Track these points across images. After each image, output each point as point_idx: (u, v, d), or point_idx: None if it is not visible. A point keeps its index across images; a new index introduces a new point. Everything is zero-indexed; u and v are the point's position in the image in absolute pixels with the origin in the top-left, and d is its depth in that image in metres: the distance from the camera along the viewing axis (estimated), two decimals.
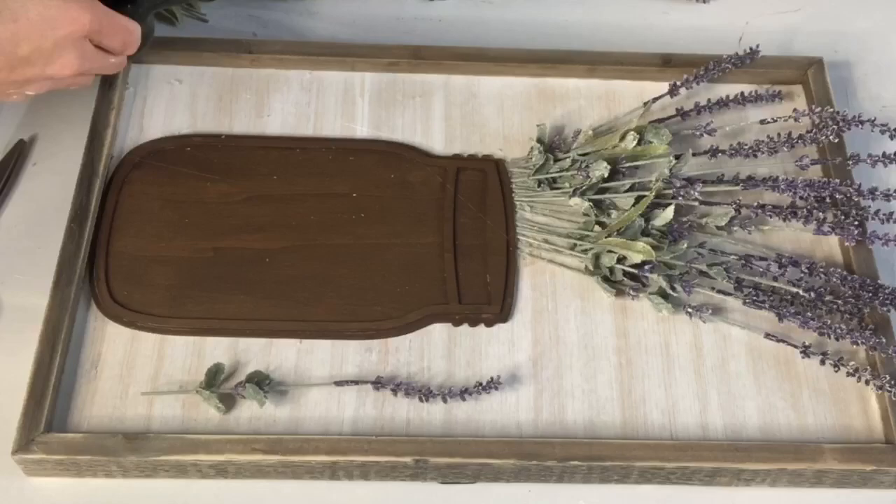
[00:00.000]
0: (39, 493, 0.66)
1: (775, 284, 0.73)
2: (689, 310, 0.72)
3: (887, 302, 0.71)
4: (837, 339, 0.70)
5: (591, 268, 0.74)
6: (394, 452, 0.66)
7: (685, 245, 0.74)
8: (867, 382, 0.69)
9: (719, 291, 0.73)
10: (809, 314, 0.71)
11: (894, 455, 0.67)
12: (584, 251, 0.74)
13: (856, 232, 0.74)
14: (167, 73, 0.84)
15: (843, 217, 0.75)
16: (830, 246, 0.77)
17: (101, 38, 0.68)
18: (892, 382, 0.68)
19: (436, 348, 0.72)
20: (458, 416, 0.69)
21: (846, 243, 0.75)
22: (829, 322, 0.71)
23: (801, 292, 0.72)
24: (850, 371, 0.69)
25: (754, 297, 0.72)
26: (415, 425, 0.68)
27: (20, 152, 0.80)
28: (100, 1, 0.68)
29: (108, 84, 0.81)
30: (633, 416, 0.69)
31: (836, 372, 0.69)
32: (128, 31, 0.70)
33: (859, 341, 0.70)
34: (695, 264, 0.73)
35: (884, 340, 0.70)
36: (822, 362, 0.70)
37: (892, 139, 0.79)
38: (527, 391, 0.70)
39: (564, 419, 0.69)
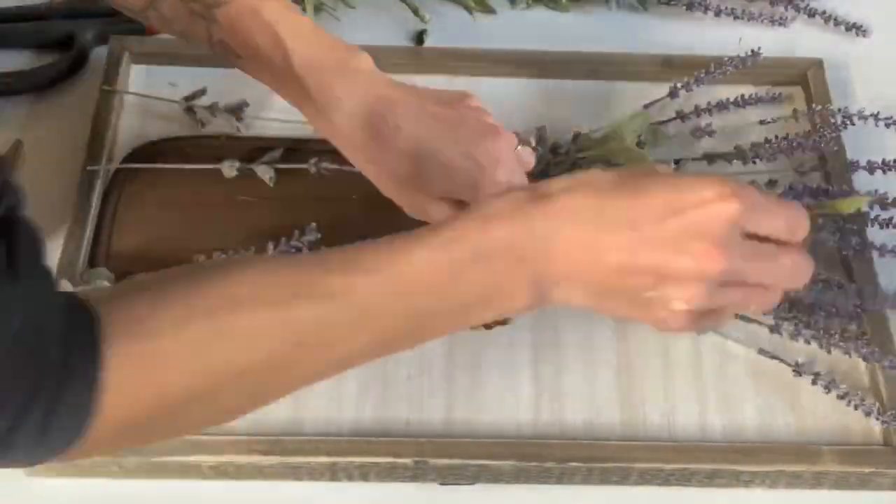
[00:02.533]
0: (39, 493, 0.66)
1: None
2: None
3: (886, 306, 0.72)
4: (829, 353, 0.70)
5: None
6: (394, 453, 0.66)
7: None
8: (856, 407, 0.68)
9: None
10: (803, 323, 0.70)
11: (893, 457, 0.67)
12: None
13: (854, 241, 0.74)
14: (167, 74, 0.84)
15: (842, 223, 0.75)
16: (829, 250, 0.76)
17: (755, 227, 0.52)
18: (881, 409, 0.68)
19: (436, 349, 0.71)
20: (458, 416, 0.69)
21: (843, 252, 0.75)
22: (822, 331, 0.70)
23: (800, 291, 0.72)
24: (840, 395, 0.69)
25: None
26: (414, 426, 0.68)
27: (18, 152, 0.80)
28: None
29: (108, 84, 0.81)
30: (632, 417, 0.69)
31: (827, 394, 0.69)
32: (793, 216, 0.53)
33: (852, 351, 0.70)
34: None
35: (878, 351, 0.69)
36: (814, 382, 0.69)
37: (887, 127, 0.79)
38: (526, 392, 0.70)
39: (564, 420, 0.69)
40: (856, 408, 0.68)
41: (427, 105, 0.68)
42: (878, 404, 0.68)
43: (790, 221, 0.53)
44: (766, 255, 0.52)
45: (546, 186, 0.53)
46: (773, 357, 0.70)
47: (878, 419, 0.68)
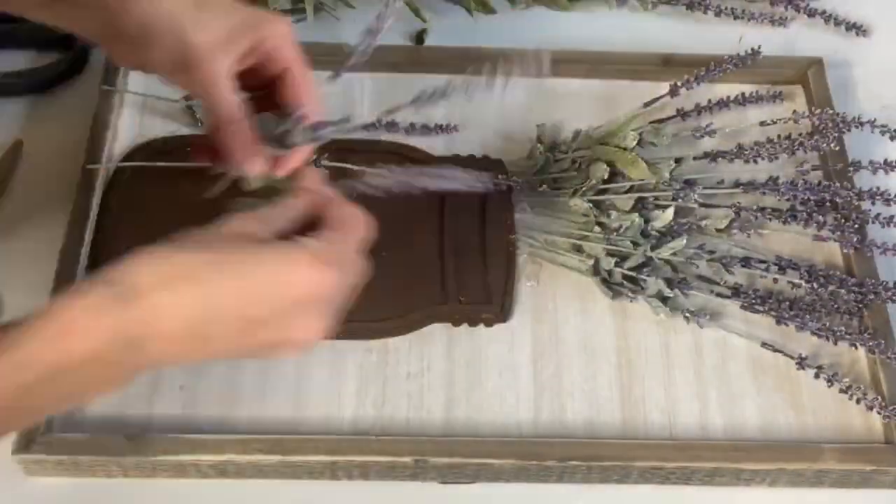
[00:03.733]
0: (39, 493, 0.66)
1: (774, 287, 0.73)
2: (687, 314, 0.72)
3: (888, 298, 0.71)
4: (836, 343, 0.70)
5: (590, 270, 0.74)
6: (393, 452, 0.66)
7: (684, 240, 0.73)
8: (858, 401, 0.68)
9: (718, 294, 0.73)
10: (808, 317, 0.71)
11: (894, 455, 0.67)
12: (579, 250, 0.74)
13: (854, 239, 0.74)
14: None
15: (843, 220, 0.75)
16: (830, 248, 0.76)
17: (346, 273, 0.55)
18: (882, 403, 0.68)
19: (436, 348, 0.71)
20: (458, 415, 0.69)
21: (844, 250, 0.75)
22: (827, 324, 0.70)
23: (801, 289, 0.72)
24: (843, 388, 0.69)
25: (752, 301, 0.72)
26: (414, 425, 0.68)
27: (18, 152, 0.80)
28: None
29: (108, 84, 0.81)
30: (632, 415, 0.69)
31: (830, 387, 0.69)
32: (365, 229, 0.58)
33: (857, 343, 0.70)
34: (693, 260, 0.73)
35: (883, 343, 0.70)
36: (817, 376, 0.69)
37: (892, 140, 0.79)
38: (526, 391, 0.70)
39: (564, 419, 0.69)
40: (858, 402, 0.68)
41: None
42: (879, 399, 0.68)
43: (364, 234, 0.58)
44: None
45: (130, 277, 0.49)
46: (776, 350, 0.70)
47: (879, 413, 0.68)
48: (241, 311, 0.51)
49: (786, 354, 0.70)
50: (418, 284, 0.74)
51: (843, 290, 0.72)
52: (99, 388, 0.50)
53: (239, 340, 0.52)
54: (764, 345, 0.71)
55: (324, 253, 0.53)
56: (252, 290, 0.51)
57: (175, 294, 0.49)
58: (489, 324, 0.73)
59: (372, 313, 0.72)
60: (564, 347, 0.72)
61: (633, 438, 0.68)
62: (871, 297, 0.72)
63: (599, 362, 0.71)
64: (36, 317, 0.48)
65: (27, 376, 0.47)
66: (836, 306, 0.72)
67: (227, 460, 0.65)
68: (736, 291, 0.73)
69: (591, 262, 0.73)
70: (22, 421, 0.54)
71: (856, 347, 0.70)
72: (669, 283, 0.72)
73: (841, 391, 0.69)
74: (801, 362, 0.70)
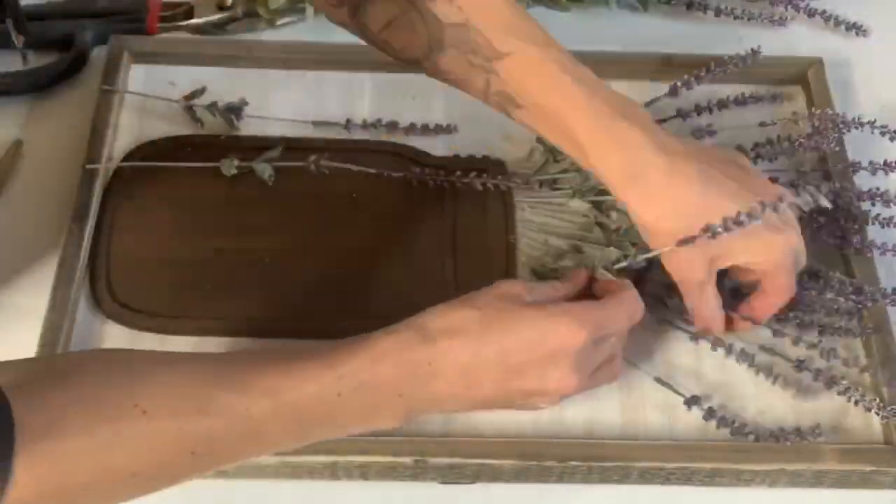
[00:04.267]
0: None
1: None
2: (686, 317, 0.71)
3: (887, 302, 0.72)
4: (828, 361, 0.70)
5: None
6: (394, 452, 0.66)
7: None
8: (856, 403, 0.68)
9: None
10: (807, 319, 0.71)
11: (894, 455, 0.67)
12: (579, 250, 0.74)
13: (854, 239, 0.74)
14: (167, 74, 0.84)
15: (842, 221, 0.75)
16: (830, 248, 0.76)
17: (601, 335, 0.63)
18: (881, 405, 0.68)
19: None
20: (458, 415, 0.69)
21: (843, 251, 0.75)
22: (824, 327, 0.71)
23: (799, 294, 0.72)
24: (841, 391, 0.68)
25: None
26: (414, 425, 0.68)
27: (18, 152, 0.80)
28: None
29: (107, 84, 0.81)
30: (632, 416, 0.69)
31: (829, 390, 0.69)
32: (630, 308, 0.65)
33: (851, 364, 0.69)
34: None
35: (879, 368, 0.69)
36: (815, 378, 0.69)
37: (892, 140, 0.79)
38: None
39: (564, 419, 0.69)
40: (856, 403, 0.68)
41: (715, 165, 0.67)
42: (878, 400, 0.68)
43: (629, 313, 0.65)
44: (609, 355, 0.65)
45: (427, 324, 0.61)
46: (775, 354, 0.70)
47: (878, 414, 0.68)
48: (502, 359, 0.60)
49: (785, 358, 0.70)
50: (418, 284, 0.74)
51: (841, 298, 0.72)
52: (385, 418, 0.61)
53: (499, 387, 0.61)
54: (763, 349, 0.71)
55: (580, 313, 0.62)
56: (512, 342, 0.60)
57: (453, 342, 0.60)
58: None
59: (372, 313, 0.72)
60: None
61: (633, 439, 0.68)
62: (870, 302, 0.71)
63: None
64: (355, 344, 0.60)
65: (344, 387, 0.58)
66: (835, 307, 0.72)
67: None
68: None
69: (591, 262, 0.73)
70: (328, 431, 0.61)
71: (848, 367, 0.70)
72: (668, 287, 0.72)
73: (839, 393, 0.68)
74: (800, 366, 0.69)
